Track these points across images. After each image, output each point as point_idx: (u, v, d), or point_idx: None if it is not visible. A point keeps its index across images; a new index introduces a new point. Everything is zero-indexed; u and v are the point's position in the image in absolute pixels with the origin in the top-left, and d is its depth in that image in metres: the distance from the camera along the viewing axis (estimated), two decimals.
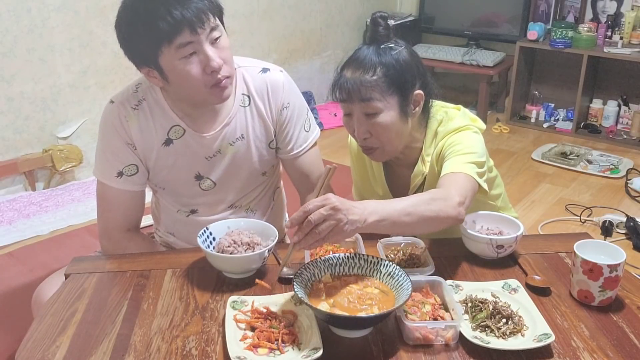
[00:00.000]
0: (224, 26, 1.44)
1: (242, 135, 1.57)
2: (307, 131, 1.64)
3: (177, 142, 1.53)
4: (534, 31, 4.33)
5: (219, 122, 1.54)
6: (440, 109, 1.60)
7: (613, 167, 3.84)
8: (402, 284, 1.20)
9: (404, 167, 1.62)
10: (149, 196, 1.66)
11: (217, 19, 1.40)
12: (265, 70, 1.58)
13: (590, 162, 3.90)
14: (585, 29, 4.23)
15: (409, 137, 1.55)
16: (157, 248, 1.66)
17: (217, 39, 1.39)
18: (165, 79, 1.42)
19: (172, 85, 1.44)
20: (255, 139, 1.58)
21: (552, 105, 4.66)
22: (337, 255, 1.28)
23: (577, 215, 3.24)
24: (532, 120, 4.62)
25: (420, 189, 1.60)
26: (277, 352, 1.12)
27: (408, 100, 1.49)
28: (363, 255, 1.28)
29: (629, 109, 4.39)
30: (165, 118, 1.52)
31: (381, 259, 1.27)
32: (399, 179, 1.65)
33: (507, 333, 1.16)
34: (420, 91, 1.50)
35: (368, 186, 1.71)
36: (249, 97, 1.56)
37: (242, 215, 1.67)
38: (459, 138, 1.51)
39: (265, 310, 1.21)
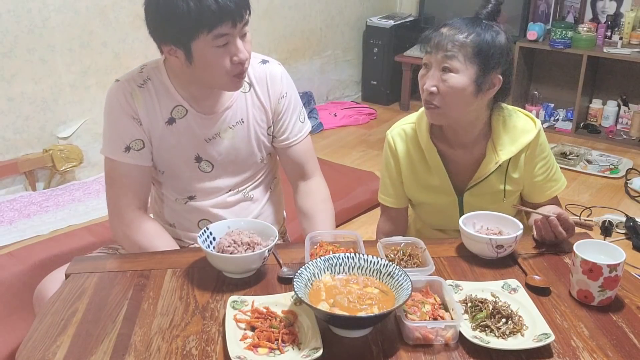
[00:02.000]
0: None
1: (242, 119, 1.62)
2: (302, 122, 1.71)
3: (180, 121, 1.57)
4: (534, 31, 4.34)
5: (221, 105, 1.59)
6: (510, 107, 1.67)
7: (613, 167, 3.84)
8: (402, 283, 1.20)
9: (467, 151, 1.64)
10: None
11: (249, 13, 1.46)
12: (264, 61, 1.66)
13: (589, 162, 3.91)
14: (585, 29, 4.23)
15: (474, 113, 1.58)
16: (166, 233, 1.64)
17: (245, 33, 1.47)
18: (189, 60, 1.46)
19: (194, 68, 1.48)
20: (254, 124, 1.63)
21: (552, 105, 4.66)
22: (337, 255, 1.28)
23: (577, 215, 3.25)
24: None
25: (491, 177, 1.63)
26: (277, 352, 1.12)
27: (486, 77, 1.52)
28: (363, 255, 1.29)
29: (629, 109, 4.39)
30: (169, 98, 1.56)
31: (381, 259, 1.27)
32: (458, 165, 1.66)
33: (507, 333, 1.16)
34: (500, 77, 1.55)
35: (418, 179, 1.70)
36: (249, 84, 1.63)
37: (239, 199, 1.69)
38: (554, 164, 1.72)
39: (265, 310, 1.21)
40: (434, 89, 1.52)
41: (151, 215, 1.81)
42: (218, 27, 1.39)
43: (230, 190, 1.68)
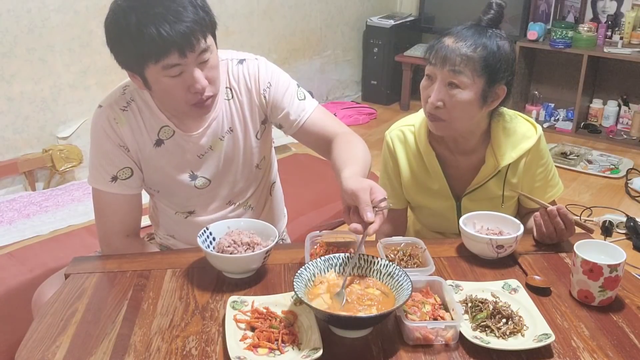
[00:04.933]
0: (215, 41, 1.42)
1: (230, 128, 1.56)
2: (303, 99, 1.57)
3: (168, 142, 1.53)
4: (534, 31, 4.34)
5: (206, 119, 1.53)
6: (510, 111, 1.66)
7: (613, 167, 3.84)
8: (402, 284, 1.20)
9: (466, 156, 1.64)
10: (146, 197, 1.66)
11: (208, 38, 1.37)
12: (241, 61, 1.57)
13: (590, 162, 3.91)
14: (585, 29, 4.23)
15: (475, 123, 1.58)
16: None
17: (206, 60, 1.37)
18: (148, 87, 1.41)
19: (154, 94, 1.44)
20: (242, 131, 1.58)
21: (552, 105, 4.66)
22: (337, 255, 1.28)
23: (577, 215, 3.25)
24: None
25: (489, 183, 1.64)
26: (277, 352, 1.12)
27: (492, 89, 1.52)
28: (363, 255, 1.28)
29: (629, 109, 4.39)
30: (155, 119, 1.51)
31: (381, 259, 1.27)
32: (457, 170, 1.66)
33: (507, 333, 1.16)
34: (504, 87, 1.54)
35: (416, 182, 1.70)
36: (231, 89, 1.55)
37: (240, 213, 1.67)
38: (553, 169, 1.70)
39: (265, 311, 1.21)
40: (440, 103, 1.51)
41: (150, 223, 1.81)
42: (165, 58, 1.31)
43: (229, 204, 1.65)
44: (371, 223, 1.19)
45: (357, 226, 1.20)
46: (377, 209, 1.21)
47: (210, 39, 1.38)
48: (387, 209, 1.23)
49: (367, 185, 1.22)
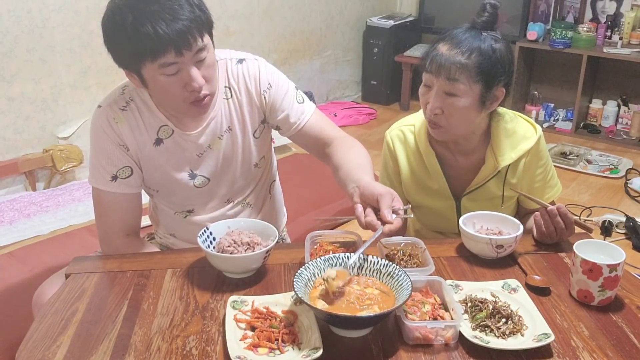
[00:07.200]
0: (212, 40, 1.42)
1: (228, 127, 1.57)
2: (302, 102, 1.59)
3: (167, 141, 1.53)
4: (534, 31, 4.34)
5: (205, 118, 1.53)
6: (510, 111, 1.66)
7: (612, 167, 3.84)
8: (402, 284, 1.20)
9: (466, 157, 1.64)
10: (146, 197, 1.66)
11: (205, 37, 1.37)
12: (241, 61, 1.57)
13: (589, 162, 3.91)
14: (585, 29, 4.23)
15: (476, 125, 1.58)
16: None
17: (203, 59, 1.38)
18: (145, 85, 1.41)
19: (151, 92, 1.45)
20: (240, 130, 1.58)
21: (552, 105, 4.66)
22: (337, 255, 1.28)
23: (577, 215, 3.25)
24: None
25: (489, 183, 1.64)
26: (277, 351, 1.12)
27: (490, 93, 1.52)
28: (363, 255, 1.28)
29: (629, 109, 4.39)
30: (154, 118, 1.52)
31: (381, 259, 1.27)
32: (457, 170, 1.66)
33: (507, 333, 1.16)
34: (503, 89, 1.54)
35: (416, 181, 1.70)
36: (230, 89, 1.56)
37: (239, 211, 1.67)
38: (552, 169, 1.70)
39: (265, 310, 1.21)
40: (438, 111, 1.52)
41: (150, 223, 1.81)
42: (161, 57, 1.32)
43: (228, 202, 1.65)
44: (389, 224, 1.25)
45: (375, 221, 1.24)
46: (395, 215, 1.27)
47: (207, 38, 1.38)
48: (407, 217, 1.31)
49: (392, 191, 1.29)
